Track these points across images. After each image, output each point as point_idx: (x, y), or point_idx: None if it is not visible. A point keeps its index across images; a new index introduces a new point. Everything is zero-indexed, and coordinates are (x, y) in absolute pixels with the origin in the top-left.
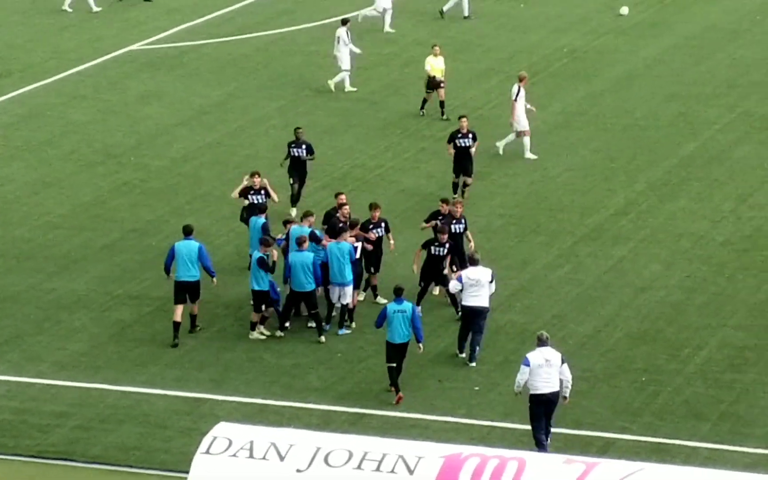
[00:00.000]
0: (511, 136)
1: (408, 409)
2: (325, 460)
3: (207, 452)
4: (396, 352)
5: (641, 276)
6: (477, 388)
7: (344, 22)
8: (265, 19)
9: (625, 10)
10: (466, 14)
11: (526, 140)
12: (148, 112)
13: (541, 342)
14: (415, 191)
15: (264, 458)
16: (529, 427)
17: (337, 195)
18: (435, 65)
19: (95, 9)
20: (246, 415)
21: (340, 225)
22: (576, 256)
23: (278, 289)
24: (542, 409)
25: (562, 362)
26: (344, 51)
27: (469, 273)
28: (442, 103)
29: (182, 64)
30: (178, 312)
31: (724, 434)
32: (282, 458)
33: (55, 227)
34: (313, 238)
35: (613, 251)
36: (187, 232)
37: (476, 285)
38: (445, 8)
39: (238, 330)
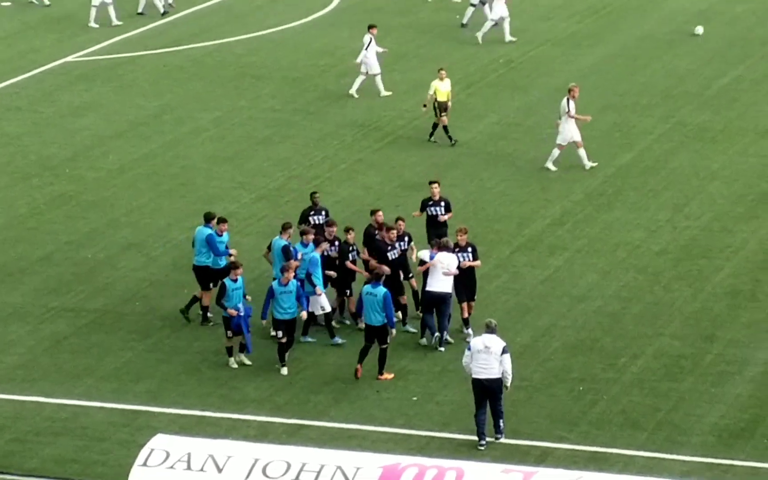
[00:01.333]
0: (556, 151)
1: (346, 420)
2: (263, 472)
3: (144, 464)
4: (369, 334)
5: (578, 286)
6: (415, 399)
7: (370, 27)
8: (199, 30)
9: (699, 29)
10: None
11: (582, 152)
12: (84, 123)
13: (488, 329)
14: (351, 202)
15: (202, 470)
16: (467, 436)
17: (373, 213)
18: (441, 89)
19: (115, 22)
20: (183, 427)
21: (385, 243)
22: (513, 266)
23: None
24: (480, 395)
25: (503, 352)
26: (372, 55)
27: (442, 257)
28: (445, 129)
29: (117, 76)
30: (204, 297)
31: (660, 442)
32: (220, 470)
33: None
34: (287, 251)
35: (550, 261)
36: (206, 219)
37: (445, 269)
38: (464, 20)
39: (174, 342)
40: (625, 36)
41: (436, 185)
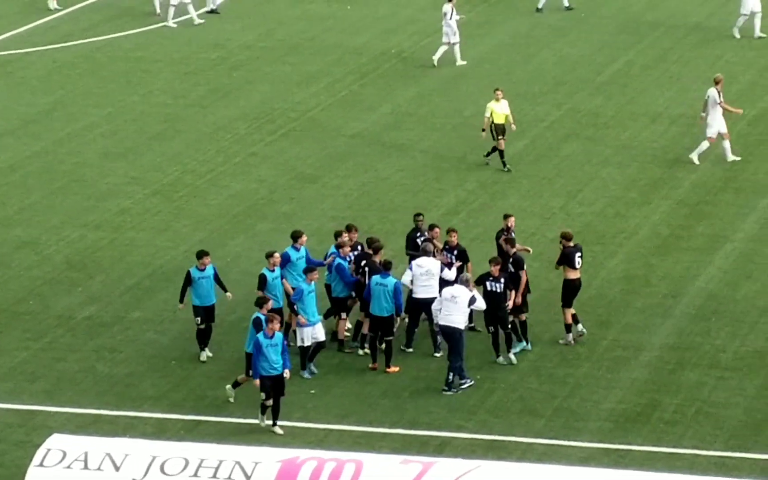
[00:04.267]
0: (705, 143)
1: (244, 415)
2: (161, 469)
3: (41, 465)
4: (375, 324)
5: (473, 275)
6: (313, 392)
7: None
8: (89, 25)
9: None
10: (540, 7)
11: (727, 144)
12: None
13: (459, 281)
14: (246, 196)
15: (99, 469)
16: (366, 428)
17: (431, 228)
18: (497, 110)
19: (197, 21)
20: (80, 426)
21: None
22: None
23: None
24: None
25: (471, 302)
26: (453, 25)
27: (420, 262)
28: (501, 153)
29: (7, 73)
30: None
31: (558, 429)
32: (117, 468)
33: None
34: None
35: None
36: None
37: (426, 275)
38: (540, 4)
39: (69, 341)
40: (516, 24)
41: (454, 233)
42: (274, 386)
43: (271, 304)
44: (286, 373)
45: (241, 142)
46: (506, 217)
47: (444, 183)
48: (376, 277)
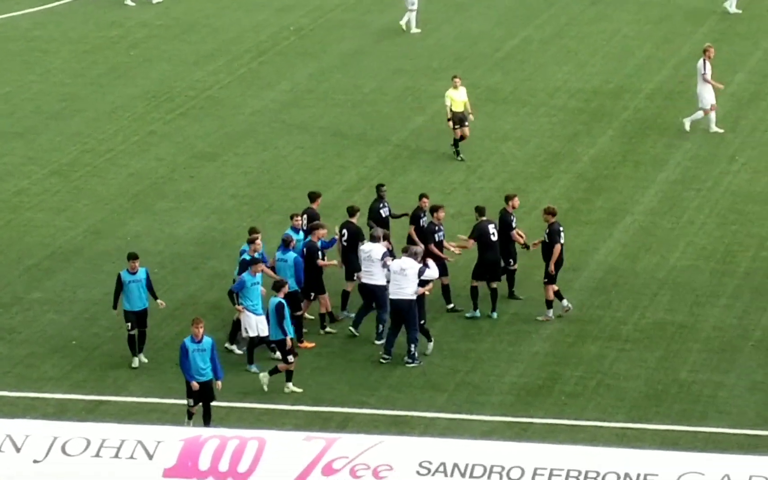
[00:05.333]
0: (700, 113)
1: (146, 394)
2: (63, 450)
3: None
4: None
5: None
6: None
7: None
8: None
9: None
10: None
11: (713, 115)
12: None
13: (407, 252)
14: (145, 174)
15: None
16: (268, 405)
17: (421, 197)
18: (456, 98)
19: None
20: None
21: (435, 229)
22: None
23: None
24: (394, 316)
25: (420, 273)
26: None
27: (363, 247)
28: (457, 141)
29: None
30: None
31: (461, 404)
32: (18, 449)
33: None
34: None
35: None
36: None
37: (367, 260)
38: None
39: None
40: None
41: (441, 210)
42: (201, 392)
43: (287, 288)
44: (218, 385)
45: (140, 121)
46: (508, 198)
47: (345, 160)
48: (277, 254)
